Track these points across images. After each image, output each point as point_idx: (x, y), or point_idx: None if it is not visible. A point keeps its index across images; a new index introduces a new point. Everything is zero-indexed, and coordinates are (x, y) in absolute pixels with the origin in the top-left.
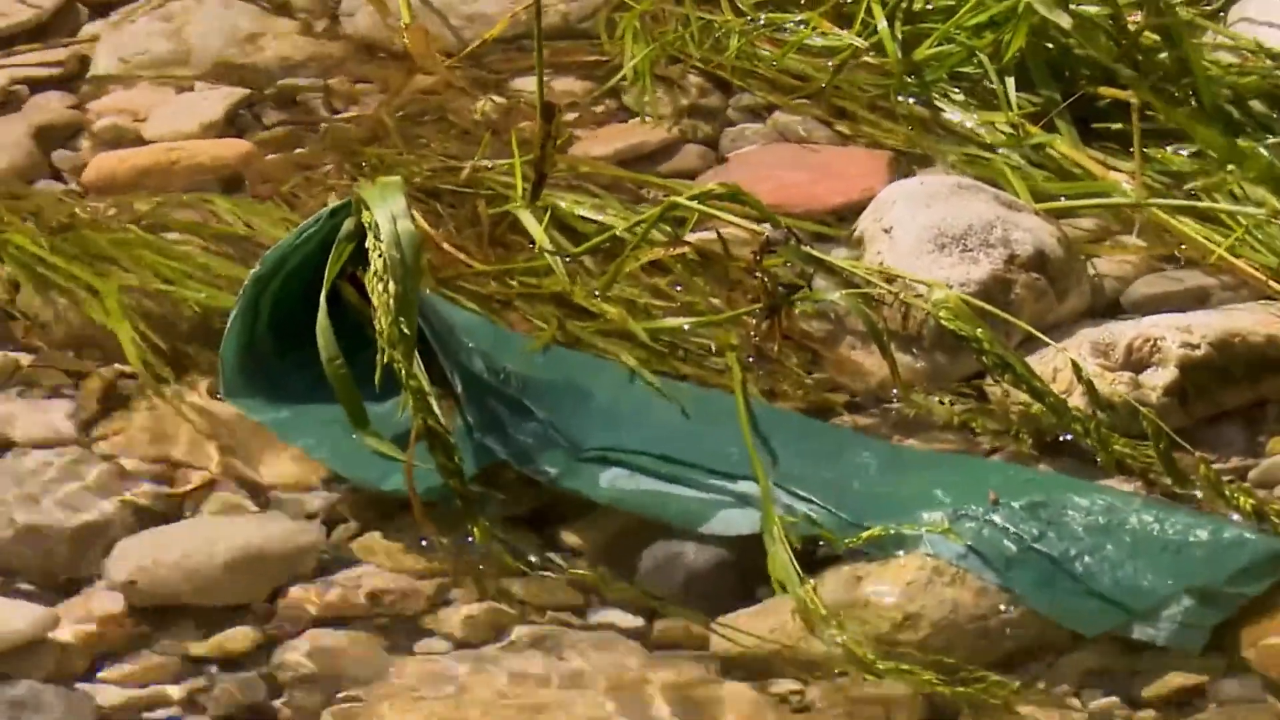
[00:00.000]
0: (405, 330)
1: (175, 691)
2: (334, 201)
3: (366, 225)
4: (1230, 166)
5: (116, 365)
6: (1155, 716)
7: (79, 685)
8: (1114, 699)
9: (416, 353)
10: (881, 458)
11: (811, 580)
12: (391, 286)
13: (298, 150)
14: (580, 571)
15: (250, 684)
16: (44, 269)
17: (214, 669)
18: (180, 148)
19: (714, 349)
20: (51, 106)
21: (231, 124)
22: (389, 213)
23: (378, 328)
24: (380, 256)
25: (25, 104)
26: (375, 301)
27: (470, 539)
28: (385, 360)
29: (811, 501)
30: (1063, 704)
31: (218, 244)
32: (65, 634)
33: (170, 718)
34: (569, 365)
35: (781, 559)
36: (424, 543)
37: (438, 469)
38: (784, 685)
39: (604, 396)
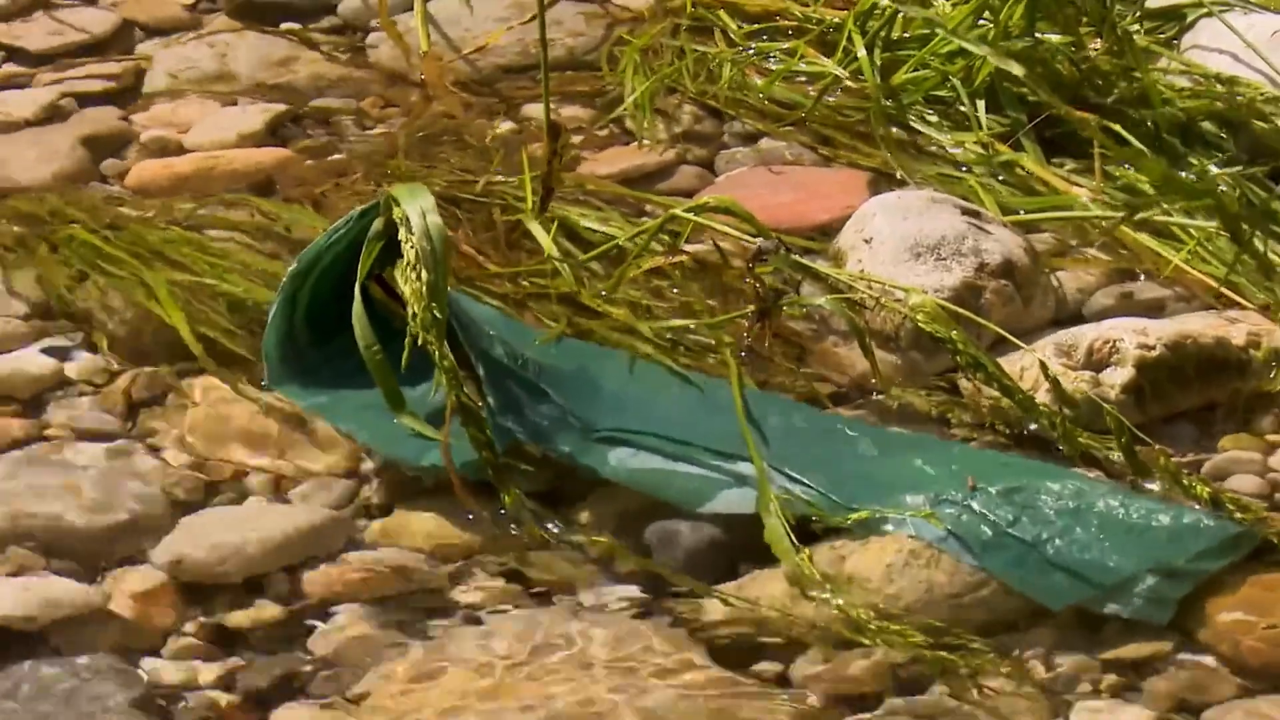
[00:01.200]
0: (437, 315)
1: (214, 665)
2: (361, 205)
3: (398, 221)
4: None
5: (163, 362)
6: (1117, 681)
7: (126, 659)
8: (1081, 658)
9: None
10: (869, 439)
11: (808, 550)
12: (424, 275)
13: (332, 157)
14: (601, 539)
15: (284, 657)
16: (102, 260)
17: (251, 642)
18: (219, 155)
19: (712, 346)
20: (101, 119)
21: (273, 134)
22: (419, 208)
23: (411, 313)
24: (412, 249)
25: (76, 116)
26: (408, 290)
27: (503, 511)
28: (419, 343)
29: (804, 483)
30: (1034, 668)
31: (255, 240)
32: (115, 610)
33: (209, 689)
34: (582, 355)
35: (777, 530)
36: (470, 516)
37: (470, 441)
38: (767, 665)
39: (614, 383)
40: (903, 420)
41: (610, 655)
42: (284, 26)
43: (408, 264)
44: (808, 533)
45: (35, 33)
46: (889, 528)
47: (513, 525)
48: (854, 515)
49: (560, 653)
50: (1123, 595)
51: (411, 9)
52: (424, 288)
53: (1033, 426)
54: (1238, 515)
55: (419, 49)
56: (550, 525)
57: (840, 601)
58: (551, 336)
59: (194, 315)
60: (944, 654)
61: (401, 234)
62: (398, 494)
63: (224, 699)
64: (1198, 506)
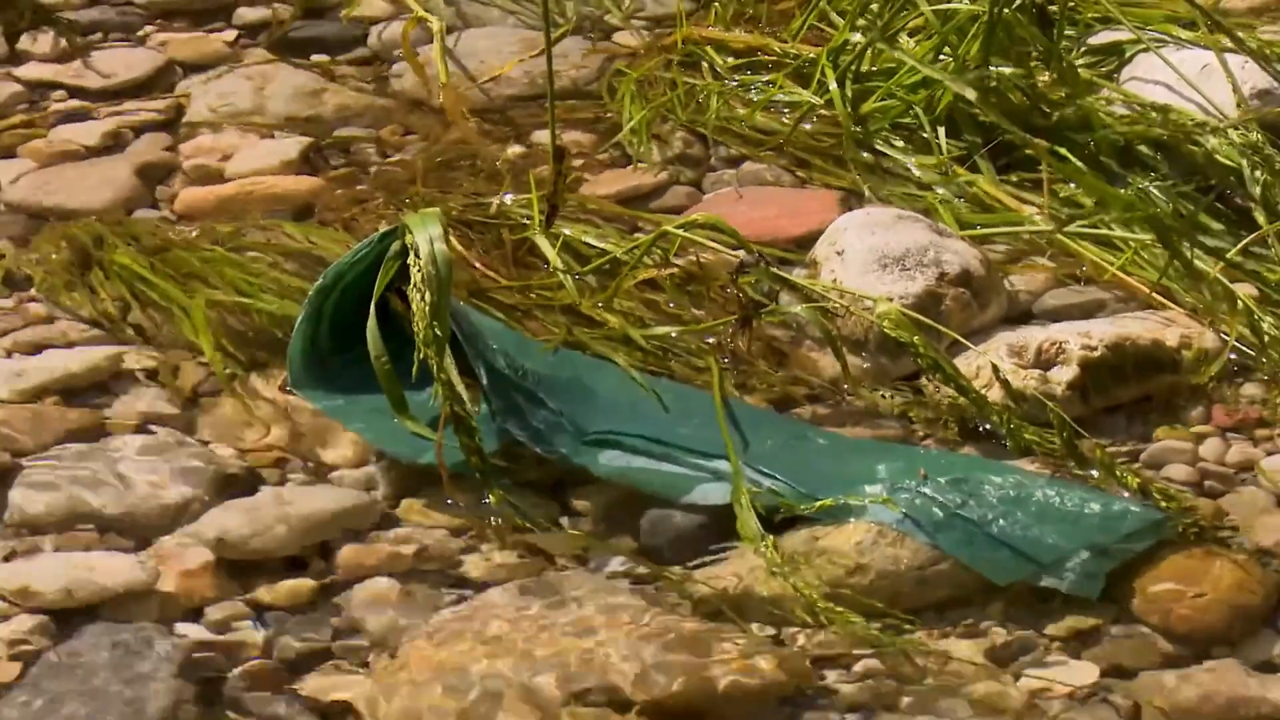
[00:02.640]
0: (438, 332)
1: (252, 633)
2: (384, 227)
3: (409, 247)
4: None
5: (208, 363)
6: (1062, 647)
7: (170, 628)
8: (1030, 632)
9: (450, 349)
10: (832, 444)
11: (772, 537)
12: (428, 296)
13: (358, 187)
14: (575, 532)
15: (315, 626)
16: (144, 286)
17: (284, 614)
18: (260, 182)
19: (696, 351)
20: (151, 149)
21: (306, 162)
22: (427, 236)
23: (415, 330)
24: (419, 272)
25: (130, 148)
26: (414, 309)
27: (486, 501)
28: (421, 357)
29: (775, 478)
30: (987, 636)
31: (287, 261)
32: (163, 585)
33: (246, 655)
34: (577, 365)
35: (747, 520)
36: (449, 502)
37: (460, 448)
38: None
39: (605, 392)
40: (869, 419)
41: (608, 618)
42: (314, 59)
43: (415, 286)
44: (786, 520)
45: (88, 73)
46: (849, 516)
47: (497, 519)
48: (818, 503)
49: (563, 616)
50: (1058, 570)
51: (432, 42)
52: (427, 307)
53: (986, 426)
54: (1163, 504)
55: (438, 80)
56: (538, 517)
57: (797, 586)
58: (552, 345)
59: (230, 328)
60: (883, 633)
61: (411, 259)
62: (417, 480)
63: (260, 664)
64: (1127, 495)
